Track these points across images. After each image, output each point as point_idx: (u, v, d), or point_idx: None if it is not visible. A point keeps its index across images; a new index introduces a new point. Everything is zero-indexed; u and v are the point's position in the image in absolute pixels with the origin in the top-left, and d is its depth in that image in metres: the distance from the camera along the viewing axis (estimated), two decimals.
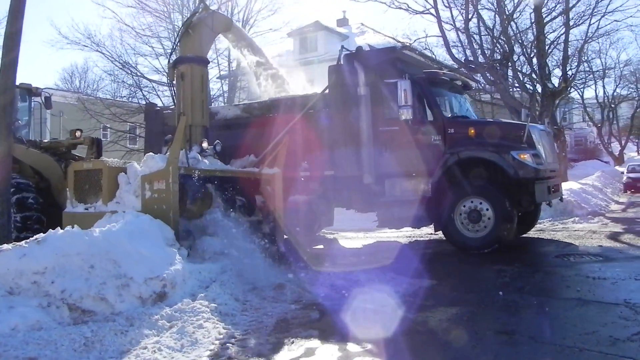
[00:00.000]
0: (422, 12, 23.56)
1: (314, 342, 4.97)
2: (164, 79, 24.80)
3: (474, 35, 23.57)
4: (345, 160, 10.64)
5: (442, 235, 10.52)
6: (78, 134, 10.49)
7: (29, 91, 12.27)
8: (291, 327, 5.41)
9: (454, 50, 23.34)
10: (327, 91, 10.91)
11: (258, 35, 31.21)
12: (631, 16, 27.67)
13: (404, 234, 13.09)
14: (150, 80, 24.87)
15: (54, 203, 9.97)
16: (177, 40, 9.72)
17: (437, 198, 10.04)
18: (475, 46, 23.21)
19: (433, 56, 25.56)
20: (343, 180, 10.77)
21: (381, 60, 10.75)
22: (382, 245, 11.61)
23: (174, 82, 9.42)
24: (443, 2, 23.19)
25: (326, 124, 10.85)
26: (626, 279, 7.15)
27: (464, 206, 9.84)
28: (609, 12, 25.40)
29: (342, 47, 11.14)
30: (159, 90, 24.88)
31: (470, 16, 23.10)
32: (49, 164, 10.51)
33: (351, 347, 4.82)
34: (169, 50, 24.31)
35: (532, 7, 23.09)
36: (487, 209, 9.66)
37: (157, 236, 6.61)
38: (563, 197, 12.49)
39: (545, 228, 12.91)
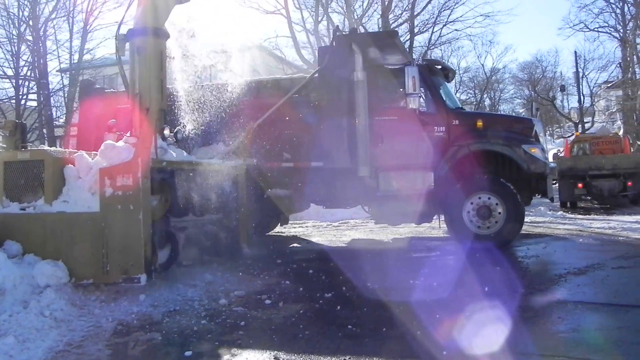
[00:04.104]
0: (272, 12, 24.01)
1: (156, 344, 4.86)
2: None
3: (324, 37, 24.34)
4: (337, 151, 9.72)
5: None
6: None
7: None
8: (132, 330, 5.23)
9: (303, 52, 24.00)
10: (316, 75, 10.11)
11: (103, 27, 29.78)
12: (470, 27, 29.98)
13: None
14: None
15: None
16: (128, 7, 8.33)
17: (442, 192, 9.52)
18: None
19: (283, 56, 26.04)
20: (333, 173, 9.86)
21: (381, 44, 9.89)
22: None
23: (123, 57, 8.10)
24: (294, 3, 23.82)
25: (315, 110, 9.88)
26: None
27: (473, 202, 9.37)
28: (450, 22, 27.56)
29: (337, 27, 10.47)
30: None
31: (320, 18, 23.93)
32: None
33: (195, 346, 4.76)
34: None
35: (380, 13, 24.30)
36: (498, 205, 9.24)
37: None
38: None
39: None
